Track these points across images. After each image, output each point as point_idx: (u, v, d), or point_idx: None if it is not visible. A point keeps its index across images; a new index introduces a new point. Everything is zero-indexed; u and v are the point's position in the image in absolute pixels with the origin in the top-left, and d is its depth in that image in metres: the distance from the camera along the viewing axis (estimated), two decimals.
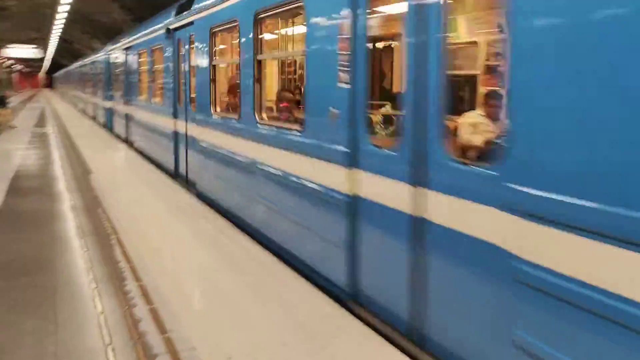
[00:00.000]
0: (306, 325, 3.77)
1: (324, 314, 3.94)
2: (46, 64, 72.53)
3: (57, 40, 43.22)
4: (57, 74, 65.51)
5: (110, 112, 18.16)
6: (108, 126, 18.74)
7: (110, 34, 28.97)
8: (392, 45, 6.81)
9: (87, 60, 26.92)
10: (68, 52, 51.73)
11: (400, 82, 3.71)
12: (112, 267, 5.02)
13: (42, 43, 49.96)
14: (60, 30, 35.27)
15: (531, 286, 2.60)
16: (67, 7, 24.42)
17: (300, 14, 5.39)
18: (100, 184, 8.95)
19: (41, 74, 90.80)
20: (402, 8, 3.55)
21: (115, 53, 16.26)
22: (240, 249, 5.55)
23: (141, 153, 12.63)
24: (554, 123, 2.47)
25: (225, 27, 6.76)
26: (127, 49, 14.18)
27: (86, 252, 5.43)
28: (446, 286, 3.24)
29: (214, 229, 6.32)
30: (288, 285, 4.54)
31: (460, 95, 5.69)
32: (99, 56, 20.83)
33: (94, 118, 23.79)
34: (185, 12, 8.40)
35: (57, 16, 28.45)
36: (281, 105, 6.31)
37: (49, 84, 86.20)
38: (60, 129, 19.97)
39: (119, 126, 16.06)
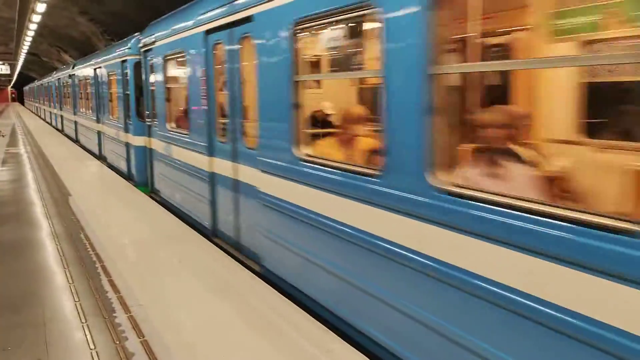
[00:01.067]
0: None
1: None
2: (14, 77, 70.97)
3: (25, 54, 42.33)
4: (27, 87, 61.49)
5: (141, 153, 10.78)
6: (127, 173, 12.04)
7: (80, 47, 28.64)
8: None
9: (83, 66, 17.76)
10: (36, 65, 50.88)
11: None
12: (100, 298, 5.01)
13: (10, 58, 48.94)
14: (28, 44, 34.59)
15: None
16: (35, 25, 23.99)
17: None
18: (80, 208, 8.87)
19: (9, 88, 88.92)
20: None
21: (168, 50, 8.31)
22: (232, 275, 5.59)
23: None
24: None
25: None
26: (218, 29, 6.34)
27: (72, 284, 5.40)
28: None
29: (202, 253, 6.33)
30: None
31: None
32: (110, 59, 12.87)
33: (98, 156, 15.70)
34: None
35: (25, 31, 27.95)
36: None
37: (18, 97, 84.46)
38: (34, 148, 19.63)
39: (172, 188, 8.68)
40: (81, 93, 18.68)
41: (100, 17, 21.31)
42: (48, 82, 33.18)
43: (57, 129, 27.72)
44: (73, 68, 20.53)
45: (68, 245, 6.74)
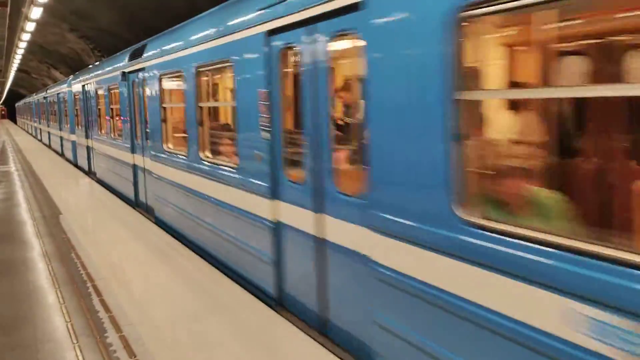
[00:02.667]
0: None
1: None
2: (4, 94, 70.72)
3: (15, 70, 42.23)
4: (21, 103, 54.04)
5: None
6: None
7: (70, 63, 28.67)
8: None
9: (180, 50, 7.33)
10: (26, 82, 50.80)
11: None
12: (91, 318, 5.02)
13: (0, 75, 48.72)
14: (18, 61, 34.54)
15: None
16: (25, 43, 24.01)
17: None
18: (71, 226, 8.87)
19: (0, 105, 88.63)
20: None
21: None
22: (226, 293, 5.62)
23: None
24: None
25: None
26: None
27: (63, 304, 5.41)
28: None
29: (194, 269, 6.36)
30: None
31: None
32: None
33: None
34: None
35: (15, 48, 27.98)
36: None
37: (9, 115, 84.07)
38: (24, 164, 19.57)
39: None
40: (164, 110, 8.41)
41: (90, 33, 21.37)
42: (57, 94, 22.41)
43: (77, 165, 18.14)
44: (134, 59, 9.81)
45: (59, 265, 6.75)
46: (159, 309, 5.29)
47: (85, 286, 5.91)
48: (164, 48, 7.99)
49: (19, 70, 41.31)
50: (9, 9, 18.67)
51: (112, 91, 12.18)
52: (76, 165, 18.23)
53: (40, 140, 32.52)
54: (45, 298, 5.67)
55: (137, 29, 16.44)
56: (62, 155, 22.50)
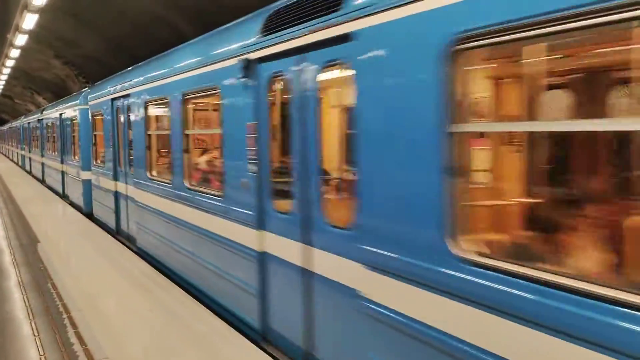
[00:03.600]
0: None
1: None
2: None
3: None
4: (4, 128, 49.76)
5: None
6: None
7: (54, 89, 28.61)
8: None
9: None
10: (9, 107, 50.42)
11: None
12: (66, 351, 4.90)
13: None
14: (1, 86, 34.33)
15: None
16: (9, 69, 23.96)
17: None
18: (48, 255, 8.70)
19: None
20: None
21: None
22: (207, 326, 5.53)
23: None
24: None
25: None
26: None
27: (37, 336, 5.27)
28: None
29: (174, 302, 6.26)
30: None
31: None
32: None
33: None
34: None
35: None
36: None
37: None
38: (2, 191, 19.26)
39: None
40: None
41: (75, 60, 21.39)
42: (60, 115, 17.34)
43: (90, 216, 13.04)
44: (283, 26, 4.49)
45: (35, 295, 6.59)
46: (137, 342, 5.18)
47: (60, 318, 5.77)
48: None
49: (2, 95, 41.03)
50: None
51: (190, 104, 6.97)
52: (90, 216, 12.96)
53: (30, 172, 26.99)
54: (20, 330, 5.52)
55: (124, 56, 16.50)
56: (64, 196, 16.63)
